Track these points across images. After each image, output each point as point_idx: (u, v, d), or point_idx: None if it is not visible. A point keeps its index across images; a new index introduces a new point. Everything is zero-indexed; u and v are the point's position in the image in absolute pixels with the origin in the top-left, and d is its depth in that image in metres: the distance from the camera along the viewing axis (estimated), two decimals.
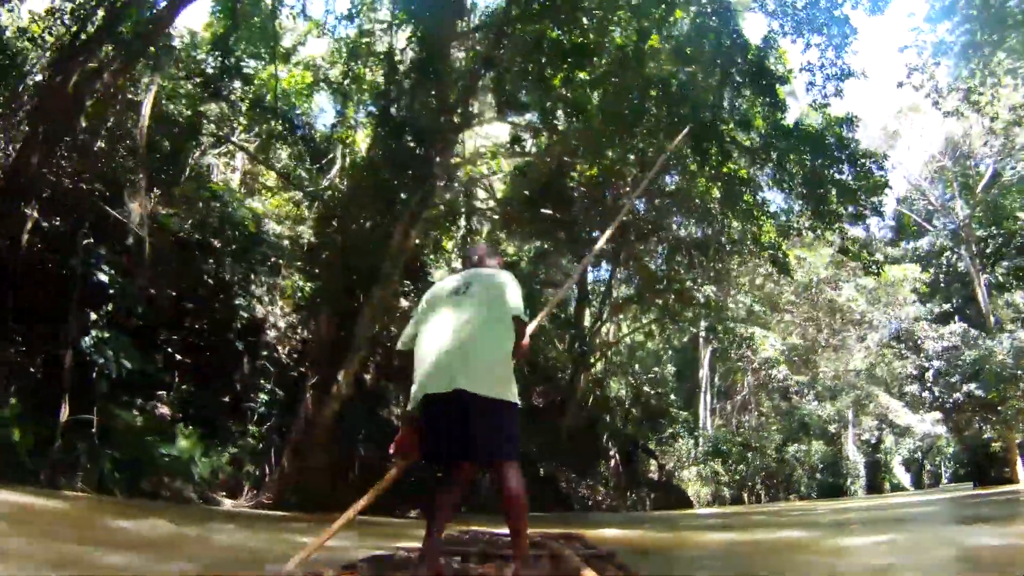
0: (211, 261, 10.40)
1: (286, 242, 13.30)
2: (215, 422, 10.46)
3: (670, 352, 33.50)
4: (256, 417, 10.83)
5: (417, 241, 13.81)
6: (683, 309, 21.56)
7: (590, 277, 25.54)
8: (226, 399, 10.89)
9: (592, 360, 23.06)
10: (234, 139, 14.08)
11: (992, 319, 22.64)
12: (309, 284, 13.69)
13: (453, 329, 2.94)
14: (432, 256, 22.00)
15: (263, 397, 10.84)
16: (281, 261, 12.84)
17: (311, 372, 11.74)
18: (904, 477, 46.44)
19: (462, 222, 22.80)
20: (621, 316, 25.82)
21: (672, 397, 28.54)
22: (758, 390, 26.30)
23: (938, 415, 20.48)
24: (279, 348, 11.44)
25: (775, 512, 18.45)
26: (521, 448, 2.98)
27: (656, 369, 28.10)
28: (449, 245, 22.90)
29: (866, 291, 18.24)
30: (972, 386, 21.78)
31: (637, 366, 28.35)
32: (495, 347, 2.91)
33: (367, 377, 17.55)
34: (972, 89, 14.30)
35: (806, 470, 35.67)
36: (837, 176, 14.32)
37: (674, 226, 23.54)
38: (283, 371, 11.67)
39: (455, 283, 3.16)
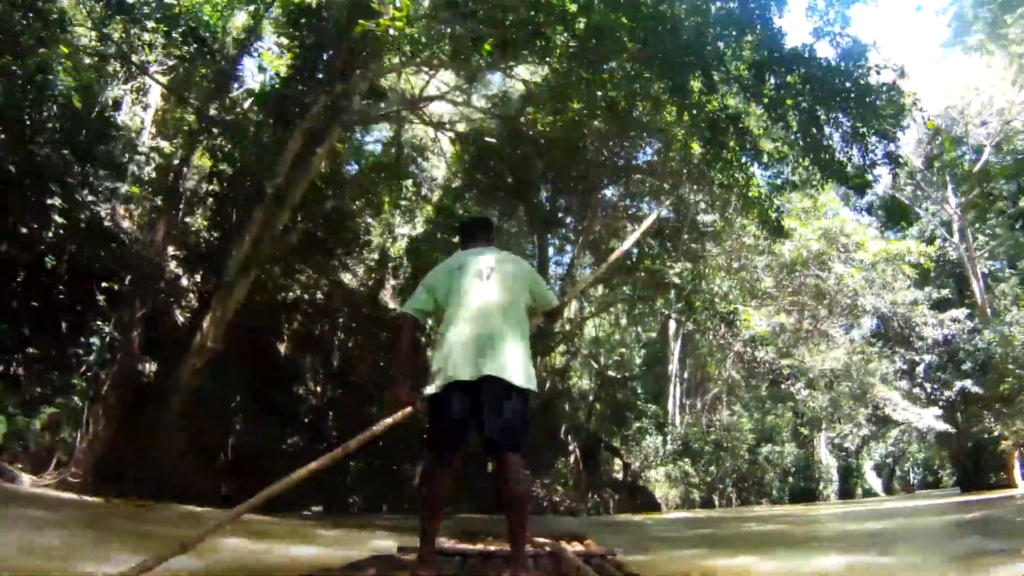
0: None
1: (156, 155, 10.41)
2: (20, 370, 7.64)
3: (639, 345, 31.31)
4: (85, 368, 7.96)
5: (324, 165, 11.08)
6: (653, 292, 19.23)
7: (552, 258, 23.20)
8: (45, 342, 7.97)
9: (551, 346, 20.50)
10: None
11: (989, 310, 20.73)
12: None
13: (482, 316, 2.91)
14: (371, 220, 19.34)
15: (95, 341, 7.99)
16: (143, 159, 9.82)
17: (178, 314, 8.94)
18: (876, 482, 44.97)
19: (409, 183, 20.16)
20: (585, 302, 23.45)
21: (639, 391, 26.12)
22: (744, 375, 23.80)
23: (937, 411, 18.45)
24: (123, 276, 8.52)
25: (759, 517, 16.13)
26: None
27: (623, 351, 25.63)
28: (398, 220, 20.27)
29: (863, 267, 15.92)
30: (968, 382, 19.85)
31: (603, 358, 25.91)
32: (520, 335, 2.91)
33: (281, 348, 14.77)
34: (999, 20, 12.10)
35: (778, 473, 33.86)
36: (843, 118, 11.99)
37: (645, 208, 21.38)
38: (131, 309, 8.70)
39: (476, 265, 3.08)
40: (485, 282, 3.00)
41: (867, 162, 11.78)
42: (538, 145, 18.98)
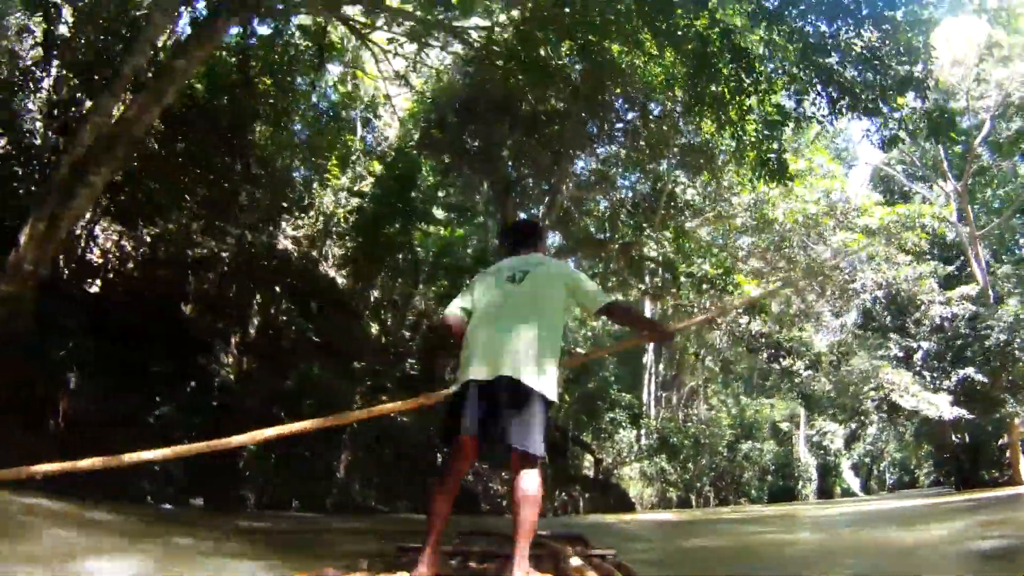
0: None
1: None
2: None
3: (610, 333, 29.25)
4: None
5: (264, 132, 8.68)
6: (626, 268, 17.22)
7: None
8: None
9: None
10: None
11: (991, 293, 19.02)
12: None
13: (506, 318, 2.92)
14: (316, 184, 16.96)
15: None
16: None
17: None
18: (854, 482, 43.63)
19: (355, 139, 17.77)
20: None
21: (612, 380, 23.98)
22: (734, 356, 21.62)
23: (948, 397, 16.60)
24: None
25: (751, 519, 14.14)
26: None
27: (593, 326, 23.38)
28: (343, 181, 17.85)
29: (868, 234, 13.92)
30: (971, 370, 18.07)
31: (572, 344, 23.71)
32: (546, 339, 2.86)
33: (188, 311, 12.25)
34: None
35: (756, 471, 32.18)
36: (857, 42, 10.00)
37: (619, 180, 19.36)
38: None
39: (510, 271, 3.09)
40: (515, 286, 3.00)
41: (890, 83, 9.80)
42: (501, 102, 16.93)
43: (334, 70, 18.97)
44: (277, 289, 13.42)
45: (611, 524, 13.80)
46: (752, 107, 11.22)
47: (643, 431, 23.76)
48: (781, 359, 14.60)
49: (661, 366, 32.61)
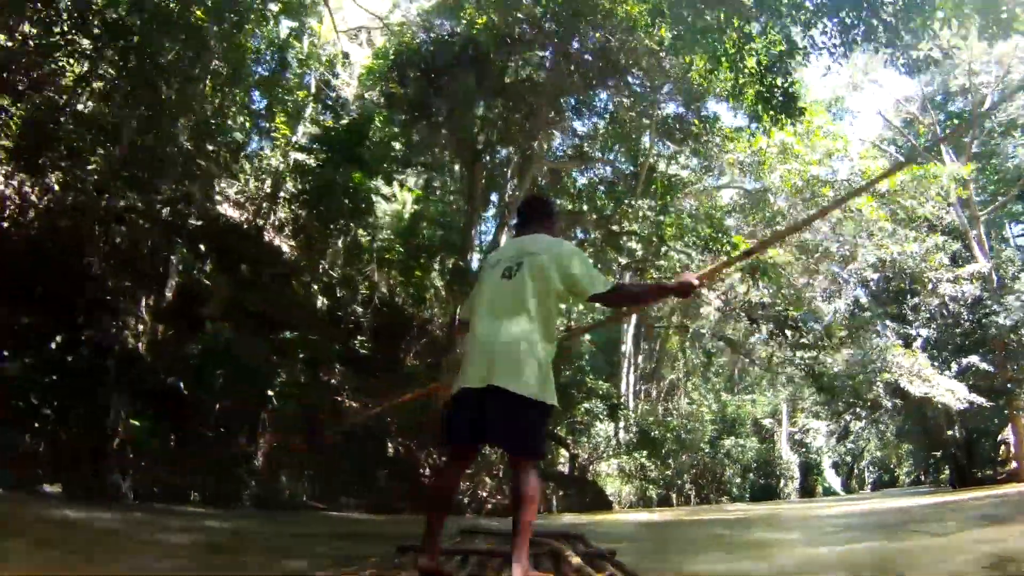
0: None
1: None
2: None
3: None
4: None
5: None
6: (605, 239, 15.67)
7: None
8: None
9: None
10: None
11: (995, 278, 17.72)
12: None
13: (496, 321, 2.82)
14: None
15: None
16: None
17: None
18: (835, 481, 42.60)
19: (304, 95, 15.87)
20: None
21: (588, 368, 22.35)
22: (718, 348, 19.95)
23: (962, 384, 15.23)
24: None
25: (751, 521, 12.60)
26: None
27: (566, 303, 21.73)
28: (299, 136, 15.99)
29: (877, 197, 12.39)
30: (975, 358, 16.77)
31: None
32: (539, 339, 2.78)
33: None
34: None
35: (738, 469, 30.83)
36: None
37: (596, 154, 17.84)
38: None
39: (507, 262, 2.93)
40: (508, 281, 2.87)
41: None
42: (468, 57, 15.29)
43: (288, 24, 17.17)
44: (203, 248, 11.52)
45: (586, 524, 12.11)
46: (751, 34, 9.67)
47: (622, 424, 22.13)
48: (787, 330, 12.95)
49: (640, 358, 31.13)
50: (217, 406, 8.70)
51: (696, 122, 13.35)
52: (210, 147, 12.52)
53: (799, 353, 13.08)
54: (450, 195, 20.48)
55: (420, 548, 2.74)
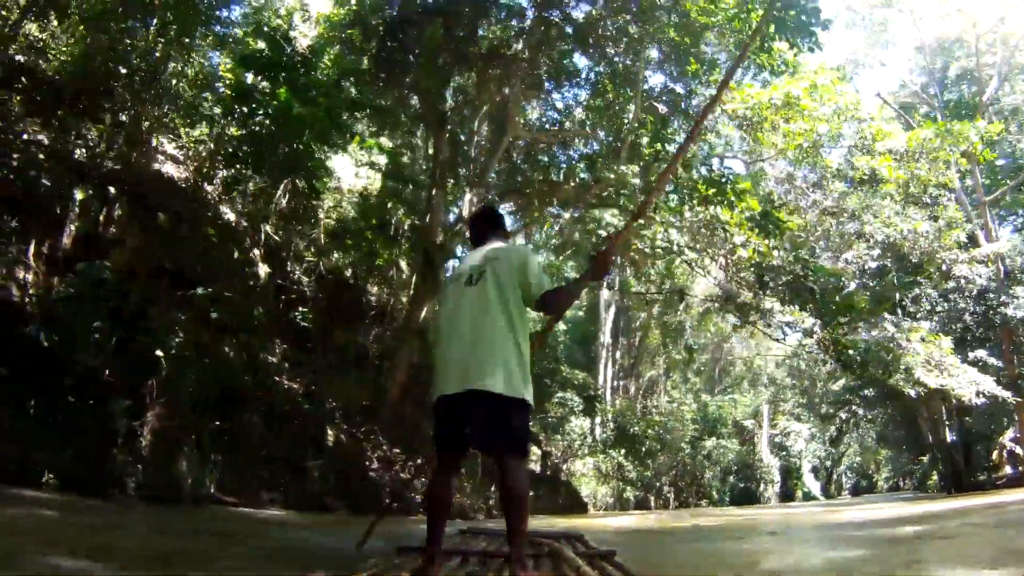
0: None
1: None
2: None
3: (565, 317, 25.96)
4: None
5: None
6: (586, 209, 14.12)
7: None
8: None
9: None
10: None
11: (1002, 268, 16.42)
12: None
13: (466, 327, 2.80)
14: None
15: None
16: None
17: None
18: (814, 485, 41.53)
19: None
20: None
21: (563, 358, 20.67)
22: (700, 344, 18.13)
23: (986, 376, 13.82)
24: None
25: (749, 526, 10.95)
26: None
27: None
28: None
29: (896, 158, 10.80)
30: (982, 352, 15.47)
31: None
32: (510, 340, 2.75)
33: None
34: None
35: (718, 472, 29.46)
36: None
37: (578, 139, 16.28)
38: None
39: (470, 271, 2.96)
40: (472, 288, 2.89)
41: None
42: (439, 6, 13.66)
43: None
44: (112, 191, 9.56)
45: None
46: None
47: (599, 419, 20.48)
48: (803, 292, 11.27)
49: (619, 353, 29.62)
50: (89, 366, 6.77)
51: (692, 61, 11.71)
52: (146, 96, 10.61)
53: (818, 323, 11.46)
54: (417, 165, 18.67)
55: (423, 551, 2.80)
